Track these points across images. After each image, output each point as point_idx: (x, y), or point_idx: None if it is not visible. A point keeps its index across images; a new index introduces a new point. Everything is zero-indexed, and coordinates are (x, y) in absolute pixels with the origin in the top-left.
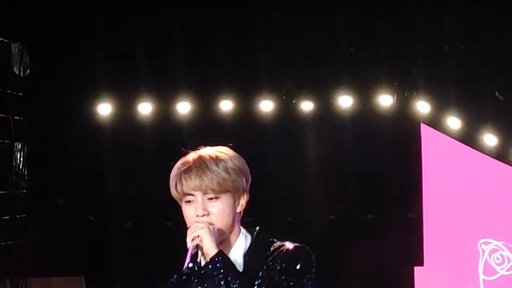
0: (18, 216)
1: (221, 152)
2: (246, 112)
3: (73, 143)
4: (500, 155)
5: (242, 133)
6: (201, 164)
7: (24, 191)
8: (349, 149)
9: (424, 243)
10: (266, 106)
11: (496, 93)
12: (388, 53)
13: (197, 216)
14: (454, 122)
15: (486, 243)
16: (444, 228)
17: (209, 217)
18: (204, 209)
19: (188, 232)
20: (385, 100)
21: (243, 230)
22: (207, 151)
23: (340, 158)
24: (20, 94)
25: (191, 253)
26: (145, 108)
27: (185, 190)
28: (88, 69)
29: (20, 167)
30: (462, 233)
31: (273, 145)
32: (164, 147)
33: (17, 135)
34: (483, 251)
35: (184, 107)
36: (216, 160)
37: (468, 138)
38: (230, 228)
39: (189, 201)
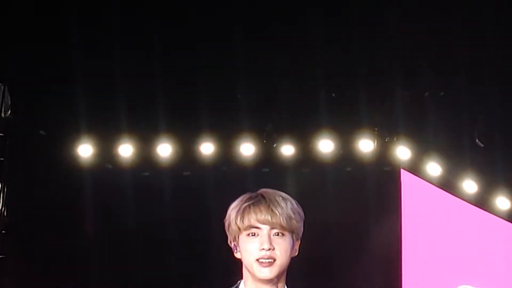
0: None
1: (285, 194)
2: (226, 155)
3: (54, 183)
4: (479, 201)
5: (222, 176)
6: (272, 199)
7: (3, 231)
8: (329, 193)
9: None
10: (247, 149)
11: (476, 140)
12: (369, 99)
13: (263, 249)
14: (434, 168)
15: None
16: (424, 273)
17: (274, 252)
18: (271, 243)
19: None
20: (365, 145)
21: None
22: (272, 190)
23: (320, 203)
24: (1, 134)
25: None
26: (126, 150)
27: (253, 222)
28: (69, 111)
29: (0, 207)
30: (441, 279)
31: (254, 188)
32: (144, 189)
33: None
34: None
35: (165, 149)
36: (284, 199)
37: (448, 184)
38: (285, 269)
39: (253, 234)
